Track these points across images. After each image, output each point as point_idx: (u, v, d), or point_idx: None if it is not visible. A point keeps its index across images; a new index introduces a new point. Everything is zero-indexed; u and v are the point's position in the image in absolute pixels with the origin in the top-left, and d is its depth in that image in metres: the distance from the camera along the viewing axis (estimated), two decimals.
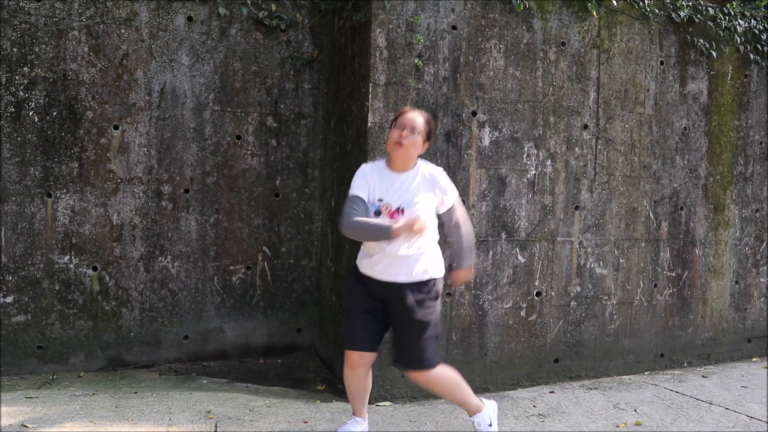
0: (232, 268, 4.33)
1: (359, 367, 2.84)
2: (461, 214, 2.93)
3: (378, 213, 2.74)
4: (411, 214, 2.69)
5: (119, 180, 4.05)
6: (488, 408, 2.99)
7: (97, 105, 3.99)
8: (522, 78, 3.91)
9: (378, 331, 2.85)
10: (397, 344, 2.82)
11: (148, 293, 4.14)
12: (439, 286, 2.84)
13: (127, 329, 4.11)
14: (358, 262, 2.89)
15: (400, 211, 2.72)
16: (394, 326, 2.82)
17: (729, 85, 4.68)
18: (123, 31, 4.02)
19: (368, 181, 2.79)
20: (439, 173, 2.83)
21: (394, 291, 2.75)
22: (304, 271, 4.52)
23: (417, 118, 2.78)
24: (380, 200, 2.76)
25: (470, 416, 2.97)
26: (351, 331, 2.83)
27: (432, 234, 2.82)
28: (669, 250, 4.48)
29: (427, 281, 2.78)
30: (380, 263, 2.76)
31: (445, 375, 2.85)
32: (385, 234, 2.63)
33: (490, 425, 2.96)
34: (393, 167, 2.81)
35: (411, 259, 2.74)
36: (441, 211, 2.85)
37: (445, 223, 2.90)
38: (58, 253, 3.96)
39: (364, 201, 2.76)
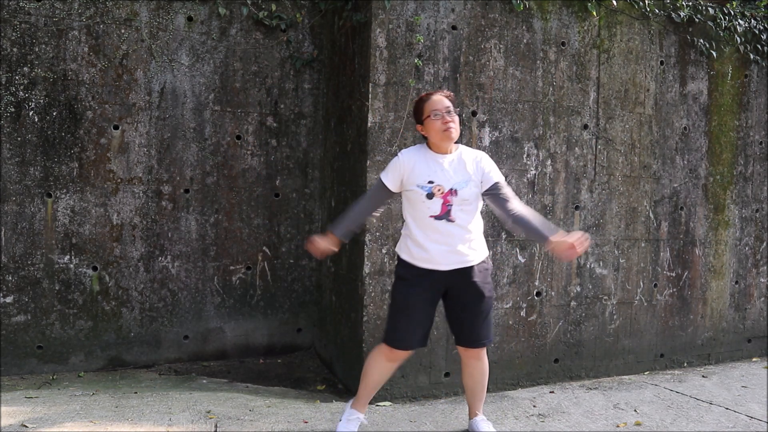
0: (232, 268, 4.33)
1: (398, 361, 2.89)
2: (512, 194, 2.84)
3: (431, 195, 2.71)
4: (461, 196, 2.71)
5: (119, 180, 4.05)
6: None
7: (97, 105, 3.99)
8: (522, 78, 3.91)
9: (430, 326, 2.88)
10: (467, 326, 2.85)
11: (148, 293, 4.14)
12: (490, 263, 2.93)
13: (127, 329, 4.11)
14: (408, 257, 2.82)
15: (453, 192, 2.71)
16: (461, 309, 2.84)
17: (729, 85, 4.68)
18: (123, 31, 4.02)
19: (404, 169, 2.77)
20: (485, 155, 2.86)
21: (463, 275, 2.78)
22: (304, 271, 4.52)
23: (444, 99, 2.77)
24: (431, 182, 2.72)
25: (475, 415, 3.03)
26: (409, 331, 2.80)
27: (479, 216, 2.85)
28: (669, 250, 4.48)
29: (484, 260, 2.86)
30: (443, 251, 2.73)
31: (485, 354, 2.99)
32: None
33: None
34: (438, 150, 2.80)
35: (472, 242, 2.78)
36: (485, 188, 2.77)
37: (498, 204, 2.77)
38: (58, 253, 3.96)
39: (384, 190, 2.81)
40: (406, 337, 2.81)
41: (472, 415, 3.07)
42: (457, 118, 2.77)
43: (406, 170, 2.76)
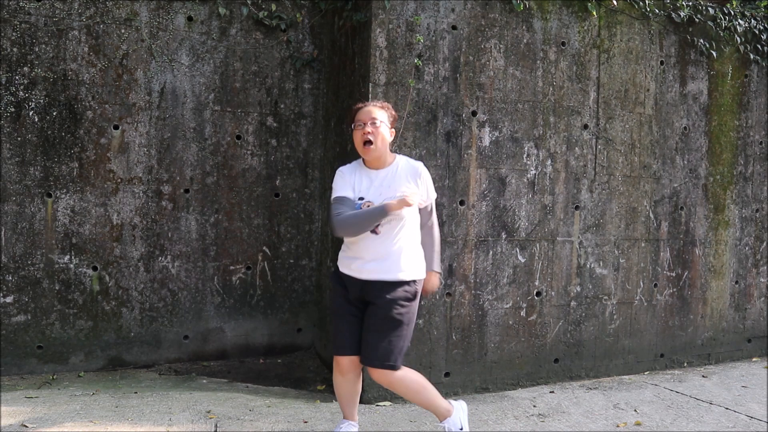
0: (232, 268, 4.33)
1: (350, 372, 2.78)
2: (435, 217, 2.91)
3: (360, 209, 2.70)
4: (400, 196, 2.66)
5: (119, 180, 4.05)
6: (458, 410, 2.91)
7: (97, 105, 3.99)
8: (522, 78, 3.91)
9: (359, 334, 2.79)
10: (365, 340, 2.73)
11: (148, 293, 4.14)
12: (418, 288, 2.77)
13: (127, 329, 4.11)
14: (338, 262, 2.84)
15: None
16: (366, 323, 2.74)
17: (729, 85, 4.68)
18: (123, 31, 4.02)
19: (347, 181, 2.76)
20: (421, 166, 2.79)
21: (373, 289, 2.70)
22: (304, 271, 4.52)
23: (373, 109, 2.72)
24: (361, 198, 2.71)
25: (440, 421, 2.87)
26: (339, 336, 2.77)
27: (413, 233, 2.77)
28: (669, 250, 4.48)
29: (407, 281, 2.71)
30: (360, 261, 2.71)
31: (408, 377, 2.77)
32: (381, 213, 2.60)
33: (461, 428, 2.87)
34: (370, 166, 2.78)
35: (392, 257, 2.69)
36: (420, 206, 2.78)
37: (420, 221, 2.85)
38: (58, 253, 3.96)
39: (350, 199, 2.72)
40: (337, 341, 2.77)
41: (438, 419, 2.92)
42: (381, 131, 2.68)
43: (348, 182, 2.75)
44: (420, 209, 2.81)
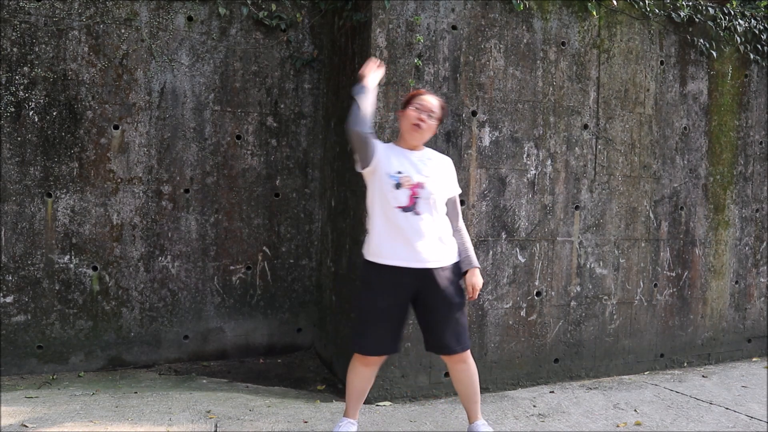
0: (232, 268, 4.33)
1: (375, 366, 2.84)
2: (460, 212, 2.98)
3: (398, 185, 2.69)
4: (429, 190, 2.72)
5: (119, 180, 4.05)
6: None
7: (97, 105, 3.99)
8: (522, 78, 3.91)
9: (402, 329, 2.83)
10: (439, 331, 2.77)
11: (148, 293, 4.14)
12: (460, 269, 2.86)
13: (127, 329, 4.11)
14: (373, 256, 2.75)
15: (420, 185, 2.71)
16: (429, 314, 2.77)
17: (729, 85, 4.68)
18: (123, 31, 4.02)
19: (380, 152, 2.76)
20: (450, 161, 2.94)
21: (430, 277, 2.72)
22: (304, 271, 4.52)
23: (434, 102, 2.82)
24: (399, 172, 2.72)
25: (471, 422, 2.95)
26: (378, 337, 2.75)
27: (446, 220, 2.84)
28: (669, 250, 4.48)
29: (455, 263, 2.81)
30: (407, 248, 2.69)
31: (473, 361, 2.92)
32: (361, 89, 2.68)
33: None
34: (404, 146, 2.83)
35: (439, 243, 2.75)
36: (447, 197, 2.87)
37: (448, 213, 2.89)
38: (58, 253, 3.96)
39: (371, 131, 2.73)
40: (376, 344, 2.77)
41: (471, 419, 2.98)
42: (431, 123, 2.79)
43: (380, 154, 2.75)
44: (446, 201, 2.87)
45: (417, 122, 2.75)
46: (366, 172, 2.79)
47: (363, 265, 2.83)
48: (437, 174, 2.80)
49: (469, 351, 2.87)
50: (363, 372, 2.85)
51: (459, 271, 2.84)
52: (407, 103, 2.83)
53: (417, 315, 2.86)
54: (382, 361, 2.86)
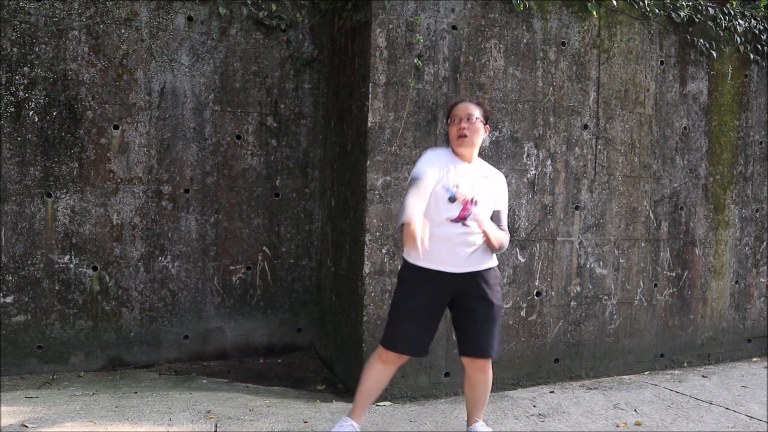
0: (232, 268, 4.33)
1: (392, 365, 2.82)
2: (506, 227, 2.90)
3: (453, 199, 2.70)
4: (481, 206, 2.73)
5: (119, 180, 4.06)
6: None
7: (97, 105, 3.99)
8: (522, 78, 3.91)
9: (431, 334, 2.81)
10: (475, 334, 2.78)
11: (148, 293, 4.14)
12: (499, 273, 2.90)
13: (127, 329, 4.11)
14: (414, 260, 2.76)
15: (473, 202, 2.72)
16: (468, 316, 2.78)
17: (729, 85, 4.68)
18: (123, 31, 4.02)
19: (442, 162, 2.75)
20: (502, 178, 2.91)
21: (471, 280, 2.74)
22: (304, 271, 4.52)
23: (468, 105, 2.79)
24: (456, 186, 2.71)
25: (475, 421, 2.95)
26: (410, 336, 2.74)
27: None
28: (669, 250, 4.48)
29: (494, 268, 2.84)
30: (451, 254, 2.71)
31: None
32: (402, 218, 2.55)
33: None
34: (461, 158, 2.81)
35: (480, 249, 2.75)
36: (492, 210, 2.84)
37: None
38: (58, 253, 3.96)
39: (428, 180, 2.65)
40: (403, 341, 2.76)
41: (470, 421, 2.98)
42: (476, 126, 2.75)
43: (436, 167, 2.71)
44: (492, 214, 2.84)
45: (460, 133, 2.74)
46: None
47: (403, 265, 2.86)
48: (490, 191, 2.81)
49: (490, 361, 2.87)
50: (379, 369, 2.81)
51: (497, 275, 2.85)
52: (447, 116, 2.87)
53: (454, 319, 2.86)
54: (399, 363, 2.81)
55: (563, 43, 4.02)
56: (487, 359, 2.84)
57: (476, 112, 2.77)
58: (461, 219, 2.71)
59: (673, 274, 4.51)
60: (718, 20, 4.53)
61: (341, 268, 4.01)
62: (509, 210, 3.90)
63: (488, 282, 2.78)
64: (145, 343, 4.15)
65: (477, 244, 2.74)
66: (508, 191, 3.89)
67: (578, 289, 4.14)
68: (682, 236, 4.54)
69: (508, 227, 3.90)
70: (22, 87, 3.85)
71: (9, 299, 3.88)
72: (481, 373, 2.86)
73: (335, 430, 2.82)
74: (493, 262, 2.83)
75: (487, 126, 2.85)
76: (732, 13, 4.60)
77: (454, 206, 2.70)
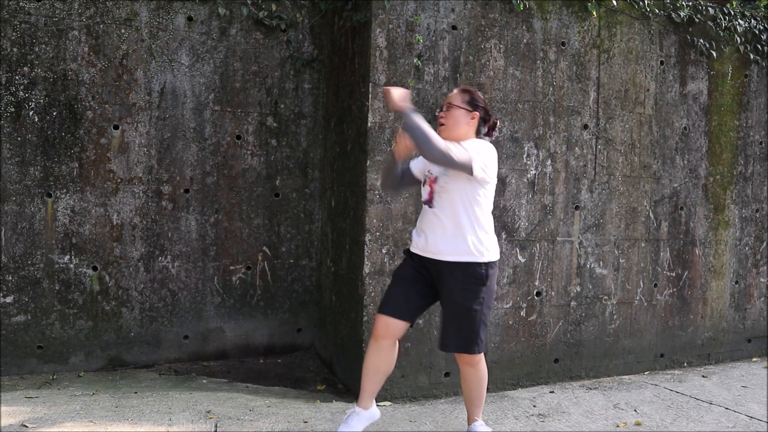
0: (232, 268, 4.33)
1: (383, 339, 2.76)
2: (462, 153, 2.62)
3: (425, 181, 2.83)
4: (441, 184, 2.74)
5: (119, 180, 4.05)
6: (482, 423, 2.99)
7: (97, 105, 3.99)
8: (522, 78, 3.91)
9: (414, 301, 2.79)
10: (443, 326, 2.82)
11: (148, 293, 4.14)
12: (490, 271, 2.72)
13: (127, 329, 4.11)
14: (410, 241, 2.94)
15: (435, 179, 2.75)
16: (442, 310, 2.83)
17: (729, 85, 4.68)
18: (123, 31, 4.02)
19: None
20: (475, 143, 2.69)
21: (441, 270, 2.74)
22: (304, 271, 4.52)
23: (452, 94, 2.84)
24: (429, 171, 2.82)
25: (475, 420, 2.93)
26: (386, 295, 2.84)
27: (476, 211, 2.71)
28: (669, 250, 4.48)
29: (474, 263, 2.69)
30: (424, 238, 2.78)
31: (484, 366, 2.89)
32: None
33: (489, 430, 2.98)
34: None
35: (455, 235, 2.70)
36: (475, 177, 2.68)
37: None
38: (58, 253, 3.96)
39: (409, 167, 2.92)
40: (384, 302, 2.82)
41: (469, 420, 2.96)
42: (452, 114, 2.77)
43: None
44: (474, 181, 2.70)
45: (438, 122, 2.82)
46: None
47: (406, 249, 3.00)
48: None
49: (479, 356, 2.81)
50: (373, 348, 2.78)
51: (477, 273, 2.69)
52: None
53: None
54: (393, 335, 2.76)
55: (563, 43, 4.02)
56: (468, 354, 2.77)
57: (457, 100, 2.79)
58: (429, 200, 2.78)
59: (673, 274, 4.51)
60: (718, 20, 4.53)
61: (341, 268, 4.01)
62: (509, 209, 3.90)
63: (457, 278, 2.70)
64: (145, 343, 4.15)
65: (444, 230, 2.71)
66: (509, 191, 3.90)
67: (578, 289, 4.14)
68: (682, 236, 4.54)
69: (509, 227, 3.90)
70: (22, 87, 3.85)
71: (9, 299, 3.88)
72: (469, 366, 2.83)
73: (341, 428, 2.82)
74: (471, 256, 2.68)
75: (475, 112, 2.78)
76: (732, 13, 4.60)
77: (425, 188, 2.82)
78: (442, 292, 2.78)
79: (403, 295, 2.81)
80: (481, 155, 2.66)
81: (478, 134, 2.86)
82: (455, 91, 2.85)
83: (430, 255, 2.76)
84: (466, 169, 2.62)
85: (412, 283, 2.82)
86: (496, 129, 2.93)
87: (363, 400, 2.84)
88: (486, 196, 2.77)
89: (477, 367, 2.84)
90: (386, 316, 2.77)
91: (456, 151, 2.58)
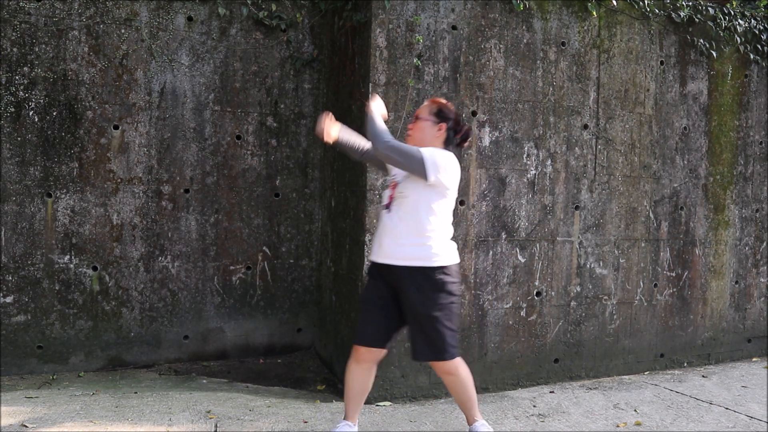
0: (232, 268, 4.33)
1: (365, 362, 2.81)
2: (400, 145, 2.69)
3: (386, 186, 2.89)
4: (400, 189, 2.75)
5: (119, 180, 4.06)
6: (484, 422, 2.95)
7: (97, 105, 3.99)
8: (522, 78, 3.91)
9: (389, 326, 2.79)
10: (410, 334, 2.79)
11: (148, 293, 4.14)
12: (447, 277, 2.70)
13: (127, 329, 4.11)
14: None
15: (395, 184, 2.79)
16: (406, 315, 2.77)
17: (729, 85, 4.68)
18: (123, 31, 4.02)
19: None
20: (430, 149, 2.70)
21: (398, 276, 2.71)
22: (304, 271, 4.52)
23: (422, 107, 2.90)
24: (393, 175, 2.87)
25: (475, 420, 2.90)
26: (360, 325, 2.82)
27: (433, 220, 2.70)
28: (669, 250, 4.48)
29: (430, 267, 2.68)
30: (378, 244, 2.79)
31: (464, 369, 2.83)
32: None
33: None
34: None
35: (408, 239, 2.68)
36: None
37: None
38: (58, 253, 3.96)
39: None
40: (358, 330, 2.81)
41: (470, 421, 2.93)
42: (421, 124, 2.81)
43: None
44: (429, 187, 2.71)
45: (407, 134, 2.90)
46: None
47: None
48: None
49: (454, 361, 2.75)
50: (354, 369, 2.82)
51: (431, 279, 2.67)
52: None
53: None
54: (373, 359, 2.81)
55: (563, 43, 4.02)
56: (442, 362, 2.74)
57: (424, 112, 2.85)
58: (388, 205, 2.78)
59: (673, 274, 4.51)
60: (718, 20, 4.53)
61: (341, 268, 4.01)
62: (509, 209, 3.90)
63: (412, 286, 2.67)
64: (145, 343, 4.15)
65: (397, 234, 2.69)
66: (509, 191, 3.90)
67: (578, 289, 4.14)
68: (682, 236, 4.54)
69: (509, 227, 3.90)
70: (22, 87, 3.85)
71: (9, 299, 3.88)
72: (447, 375, 2.79)
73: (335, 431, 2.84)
74: (422, 261, 2.67)
75: (443, 124, 2.80)
76: (732, 13, 4.60)
77: (386, 193, 2.85)
78: (404, 304, 2.75)
79: (374, 322, 2.78)
80: (437, 162, 2.66)
81: (448, 145, 2.86)
82: (425, 102, 2.92)
83: (384, 260, 2.74)
84: (418, 170, 2.65)
85: (379, 309, 2.78)
86: (468, 141, 2.95)
87: (353, 416, 2.89)
88: (444, 204, 2.76)
89: (456, 374, 2.79)
90: (363, 347, 2.80)
91: (407, 146, 2.70)
